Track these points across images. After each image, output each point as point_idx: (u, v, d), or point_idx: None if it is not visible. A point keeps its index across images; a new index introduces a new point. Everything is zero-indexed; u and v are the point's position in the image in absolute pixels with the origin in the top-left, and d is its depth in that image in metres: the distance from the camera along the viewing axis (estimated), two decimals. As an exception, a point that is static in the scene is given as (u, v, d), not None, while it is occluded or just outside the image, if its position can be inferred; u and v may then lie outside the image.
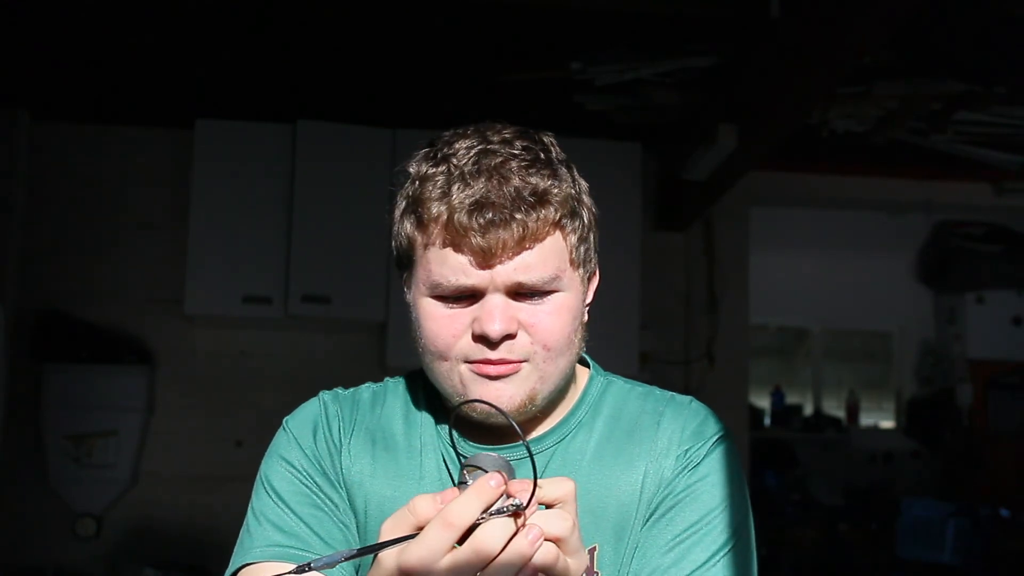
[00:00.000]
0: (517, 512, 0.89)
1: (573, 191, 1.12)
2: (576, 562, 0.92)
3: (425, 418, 1.20)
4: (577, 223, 1.12)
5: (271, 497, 1.15)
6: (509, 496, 0.90)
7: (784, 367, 6.84)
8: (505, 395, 1.09)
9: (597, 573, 1.13)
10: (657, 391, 1.22)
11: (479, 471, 0.92)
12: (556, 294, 1.10)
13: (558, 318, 1.10)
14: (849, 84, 3.16)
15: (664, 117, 3.55)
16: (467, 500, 0.88)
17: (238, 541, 1.15)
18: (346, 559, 0.90)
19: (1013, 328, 5.57)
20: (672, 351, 4.05)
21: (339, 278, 3.56)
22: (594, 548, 1.13)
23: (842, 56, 2.56)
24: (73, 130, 3.88)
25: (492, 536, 0.88)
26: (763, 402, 6.28)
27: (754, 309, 4.35)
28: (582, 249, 1.13)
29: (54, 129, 3.87)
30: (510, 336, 1.08)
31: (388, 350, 3.58)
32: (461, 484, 0.92)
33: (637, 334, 3.71)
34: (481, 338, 1.08)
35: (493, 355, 1.08)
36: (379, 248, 3.50)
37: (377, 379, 1.29)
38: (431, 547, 0.88)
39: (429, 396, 1.21)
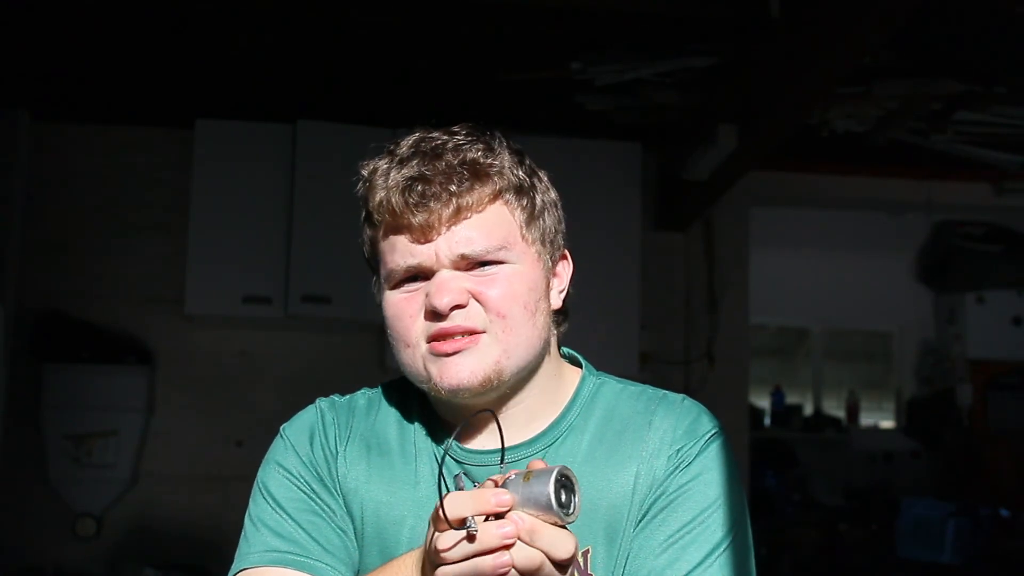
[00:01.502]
0: (471, 535, 0.92)
1: (518, 170, 1.14)
2: None
3: (418, 423, 1.21)
4: (525, 201, 1.13)
5: (268, 503, 1.15)
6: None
7: (784, 367, 6.83)
8: (466, 369, 1.09)
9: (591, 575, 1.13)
10: (650, 390, 1.21)
11: (524, 475, 0.96)
12: (505, 265, 1.11)
13: (508, 286, 1.11)
14: (849, 84, 3.16)
15: (664, 117, 3.54)
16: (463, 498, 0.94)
17: (237, 548, 1.15)
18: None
19: (1013, 328, 5.56)
20: (672, 351, 4.04)
21: (339, 278, 3.56)
22: (587, 551, 1.12)
23: (842, 56, 2.55)
24: (73, 130, 3.88)
25: (445, 546, 0.93)
26: (763, 402, 6.28)
27: (754, 309, 4.35)
28: (535, 228, 1.14)
29: (54, 129, 3.86)
30: (461, 306, 1.09)
31: (388, 350, 3.57)
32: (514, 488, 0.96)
33: (637, 334, 3.71)
34: (432, 314, 1.09)
35: (446, 324, 1.09)
36: (379, 248, 3.47)
37: (376, 379, 1.30)
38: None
39: (422, 401, 1.21)
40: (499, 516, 0.93)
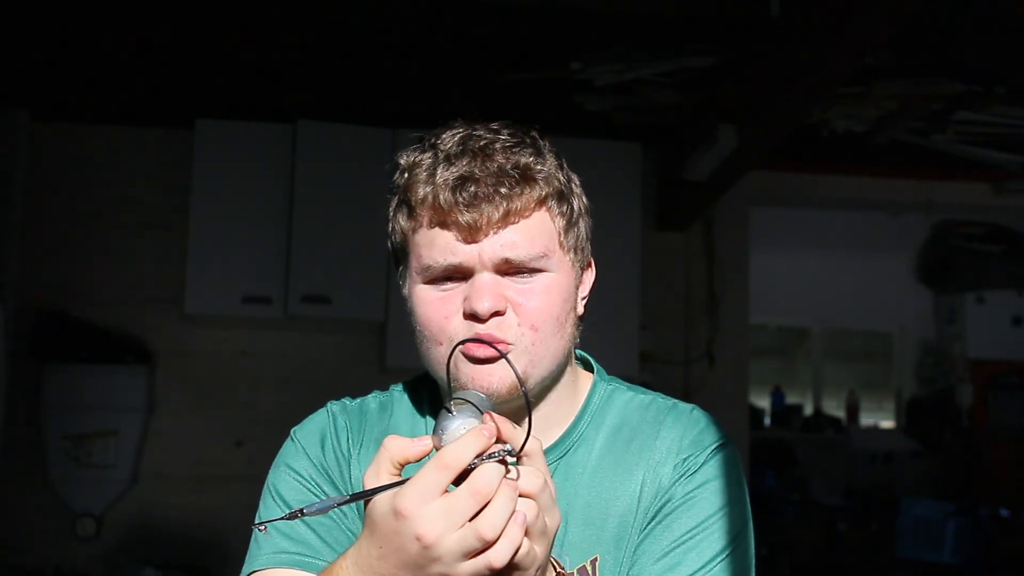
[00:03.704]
0: (504, 459, 0.91)
1: (560, 175, 1.13)
2: (551, 519, 0.95)
3: (431, 427, 1.20)
4: (565, 208, 1.13)
5: (278, 506, 1.15)
6: (499, 441, 0.93)
7: (784, 367, 6.83)
8: (496, 377, 1.08)
9: None
10: (660, 399, 1.21)
11: (466, 404, 0.95)
12: (544, 274, 1.11)
13: (547, 298, 1.11)
14: (849, 84, 3.16)
15: (664, 117, 3.54)
16: (463, 444, 0.91)
17: (248, 551, 1.15)
18: (338, 505, 0.94)
19: (1013, 328, 5.56)
20: (672, 351, 4.04)
21: (339, 278, 3.56)
22: (595, 559, 1.13)
23: (842, 56, 2.56)
24: (73, 130, 3.88)
25: (489, 477, 0.90)
26: (763, 402, 6.27)
27: (754, 309, 4.35)
28: (572, 235, 1.14)
29: (54, 129, 3.86)
30: (499, 313, 1.08)
31: (388, 350, 3.58)
32: (437, 431, 0.95)
33: (637, 334, 3.71)
34: (471, 316, 1.08)
35: (482, 330, 1.08)
36: (379, 248, 3.46)
37: (377, 379, 1.30)
38: (427, 488, 0.90)
39: (433, 404, 1.21)
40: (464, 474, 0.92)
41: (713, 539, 1.10)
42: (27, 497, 3.67)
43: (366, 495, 0.93)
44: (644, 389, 1.24)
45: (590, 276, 1.21)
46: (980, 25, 2.89)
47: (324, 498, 1.14)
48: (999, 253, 5.53)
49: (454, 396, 0.98)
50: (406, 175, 1.12)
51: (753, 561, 1.15)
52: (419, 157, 1.11)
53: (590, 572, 1.12)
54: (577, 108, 3.42)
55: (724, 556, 1.10)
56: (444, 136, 1.11)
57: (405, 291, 1.15)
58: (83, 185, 3.87)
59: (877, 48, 2.87)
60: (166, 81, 3.50)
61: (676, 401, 1.21)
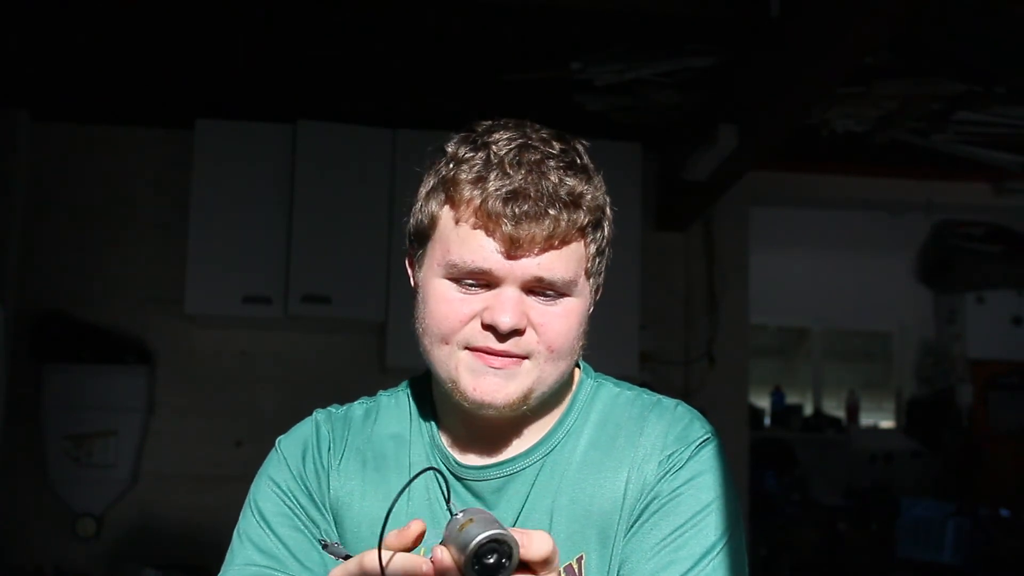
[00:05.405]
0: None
1: (601, 202, 1.13)
2: None
3: (415, 436, 1.20)
4: (599, 235, 1.12)
5: (255, 517, 1.16)
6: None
7: (784, 367, 6.83)
8: (502, 391, 1.09)
9: None
10: (645, 395, 1.21)
11: (468, 519, 0.89)
12: (568, 298, 1.10)
13: (567, 322, 1.10)
14: (849, 84, 3.16)
15: (664, 117, 3.55)
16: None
17: (224, 560, 1.16)
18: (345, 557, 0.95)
19: (1013, 328, 5.56)
20: (672, 351, 4.04)
21: (339, 278, 3.56)
22: (581, 557, 1.12)
23: (842, 56, 2.56)
24: (73, 130, 3.88)
25: None
26: (763, 402, 6.27)
27: (754, 309, 4.35)
28: (597, 261, 1.14)
29: (54, 129, 3.86)
30: (518, 332, 1.08)
31: (388, 350, 3.58)
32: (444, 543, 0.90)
33: (637, 334, 3.71)
34: (490, 328, 1.07)
35: (497, 346, 1.08)
36: (379, 248, 3.51)
37: (377, 379, 1.30)
38: None
39: (420, 413, 1.21)
40: None
41: (703, 535, 1.09)
42: (27, 497, 3.67)
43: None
44: (631, 385, 1.23)
45: (598, 295, 1.20)
46: (980, 25, 2.89)
47: (298, 511, 1.16)
48: (999, 253, 5.53)
49: (459, 514, 0.91)
50: (451, 166, 1.09)
51: (746, 556, 1.14)
52: (469, 153, 1.08)
53: (576, 571, 1.12)
54: (577, 108, 3.42)
55: (715, 552, 1.09)
56: (498, 138, 1.09)
57: (420, 276, 1.13)
58: (83, 185, 3.87)
59: (877, 48, 2.87)
60: (166, 81, 3.50)
61: (661, 397, 1.20)
